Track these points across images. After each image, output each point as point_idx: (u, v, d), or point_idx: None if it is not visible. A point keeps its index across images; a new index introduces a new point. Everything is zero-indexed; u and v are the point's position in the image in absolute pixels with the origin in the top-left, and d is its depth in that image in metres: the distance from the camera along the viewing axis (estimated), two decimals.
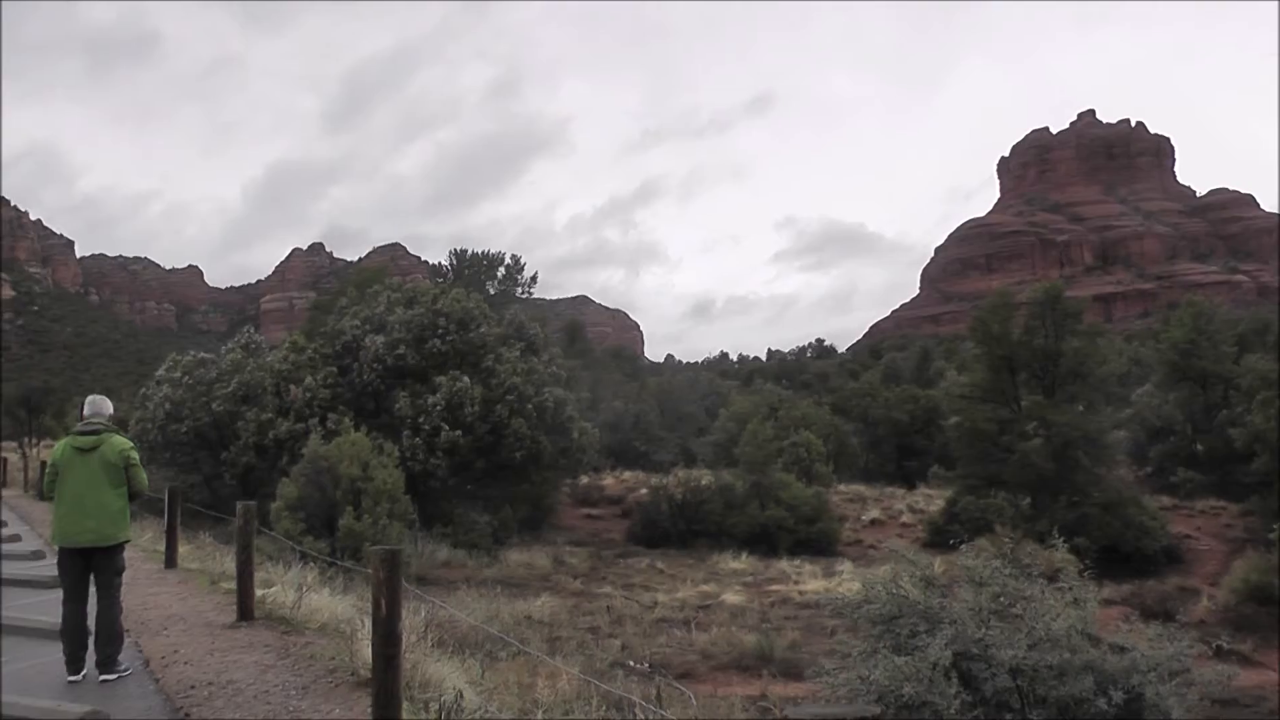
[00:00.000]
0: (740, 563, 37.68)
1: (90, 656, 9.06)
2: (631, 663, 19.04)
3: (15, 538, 18.22)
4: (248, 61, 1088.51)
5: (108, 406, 9.94)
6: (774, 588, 32.21)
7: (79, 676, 8.95)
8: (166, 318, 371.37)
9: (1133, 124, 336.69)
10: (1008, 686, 10.35)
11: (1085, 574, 12.47)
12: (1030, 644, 10.31)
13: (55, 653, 9.23)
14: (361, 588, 17.43)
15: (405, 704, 7.42)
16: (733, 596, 29.85)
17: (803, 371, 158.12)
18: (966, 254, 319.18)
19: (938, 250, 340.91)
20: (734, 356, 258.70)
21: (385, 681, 7.09)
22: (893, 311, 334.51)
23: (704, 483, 47.10)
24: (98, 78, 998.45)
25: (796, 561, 37.92)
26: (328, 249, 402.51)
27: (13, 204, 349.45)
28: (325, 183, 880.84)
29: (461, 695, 8.31)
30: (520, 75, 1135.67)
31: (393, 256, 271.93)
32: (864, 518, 50.09)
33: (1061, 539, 14.02)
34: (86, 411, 9.58)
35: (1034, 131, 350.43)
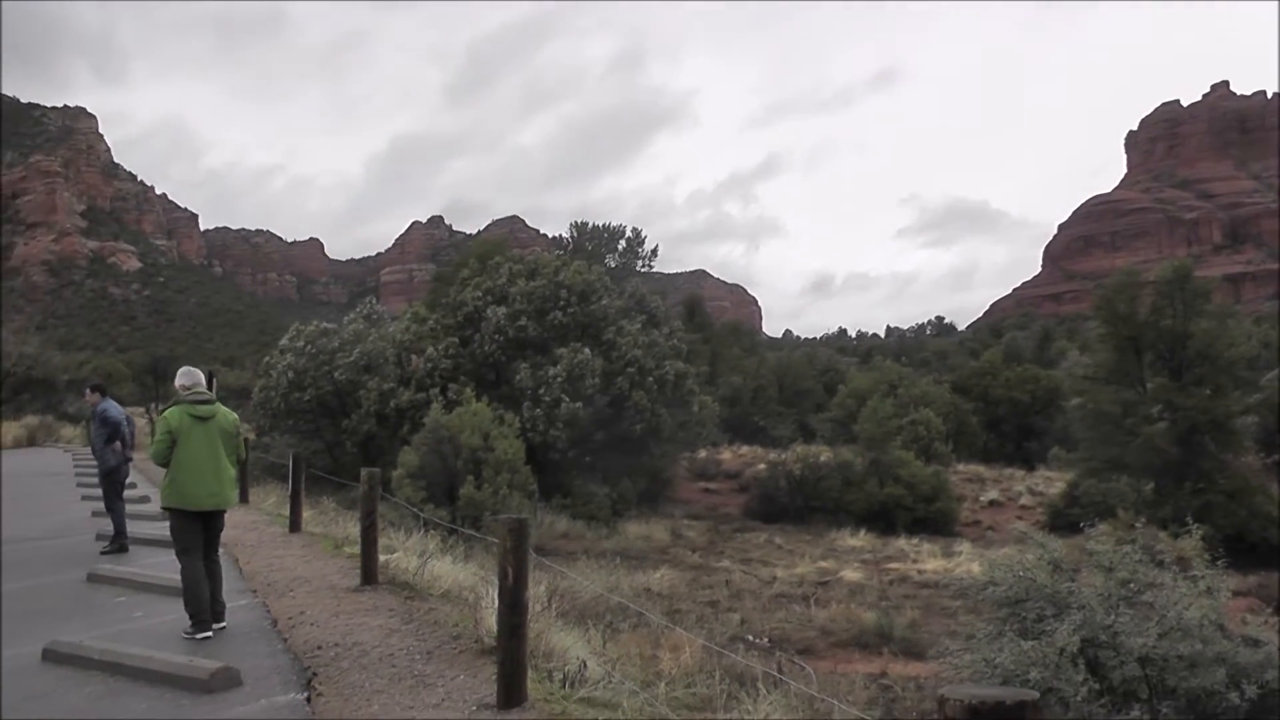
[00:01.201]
0: (858, 540, 37.47)
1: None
2: (751, 637, 18.98)
3: (144, 499, 18.72)
4: (374, 36, 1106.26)
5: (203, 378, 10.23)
6: (892, 566, 31.93)
7: (210, 634, 9.29)
8: (287, 289, 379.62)
9: (1269, 95, 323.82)
10: (1136, 676, 10.07)
11: (1218, 562, 12.04)
12: (1160, 633, 10.02)
13: (181, 609, 9.55)
14: (482, 556, 17.63)
15: (529, 673, 7.43)
16: (851, 573, 29.62)
17: (922, 349, 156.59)
18: (1090, 231, 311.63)
19: (1061, 227, 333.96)
20: (853, 333, 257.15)
21: (511, 650, 7.10)
22: (1014, 289, 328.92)
23: (822, 459, 46.80)
24: (226, 55, 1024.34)
25: (914, 540, 37.63)
26: (447, 222, 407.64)
27: (139, 178, 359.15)
28: (447, 156, 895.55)
29: (585, 665, 8.30)
30: (644, 48, 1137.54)
31: (511, 229, 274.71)
32: (982, 498, 49.64)
33: (1195, 526, 13.59)
34: (185, 382, 9.88)
35: (1164, 105, 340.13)
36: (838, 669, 16.95)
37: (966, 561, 30.86)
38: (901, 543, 36.87)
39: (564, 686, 7.80)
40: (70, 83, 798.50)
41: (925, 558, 33.38)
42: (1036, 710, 3.23)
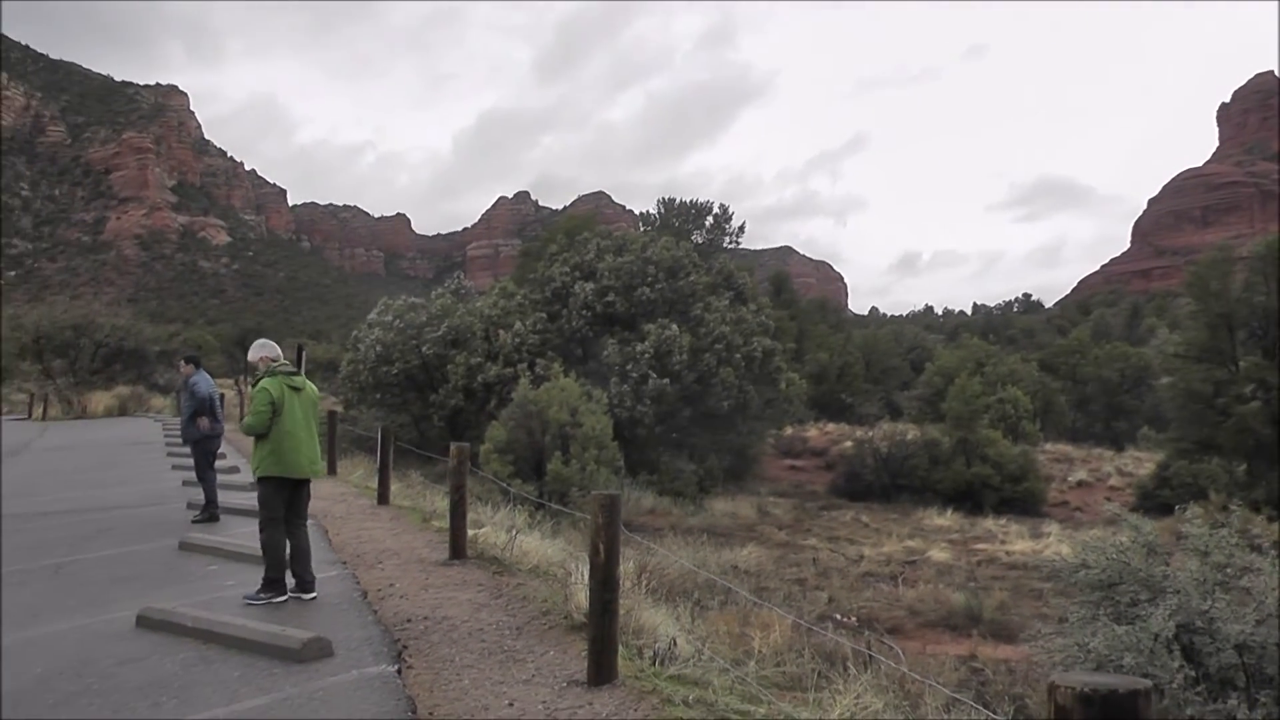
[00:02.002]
0: (945, 519, 37.24)
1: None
2: (838, 616, 18.90)
3: (234, 469, 19.02)
4: (464, 14, 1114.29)
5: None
6: (980, 546, 31.66)
7: (284, 597, 9.54)
8: (374, 263, 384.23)
9: None
10: (1233, 663, 9.79)
11: None
12: (1258, 619, 9.73)
13: (257, 578, 9.74)
14: (569, 531, 17.67)
15: (619, 650, 7.39)
16: (938, 553, 29.40)
17: (1009, 327, 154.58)
18: (1181, 206, 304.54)
19: (1150, 202, 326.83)
20: (939, 310, 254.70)
21: (602, 627, 7.08)
22: (1102, 266, 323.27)
23: (909, 437, 46.48)
24: (318, 33, 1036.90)
25: (1002, 520, 37.31)
26: (533, 197, 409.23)
27: (229, 155, 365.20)
28: (535, 132, 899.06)
29: (675, 643, 8.26)
30: (734, 23, 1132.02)
31: (597, 205, 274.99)
32: (1070, 479, 49.06)
33: None
34: (271, 354, 10.11)
35: (1258, 75, 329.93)
36: (926, 650, 16.82)
37: (1055, 543, 30.73)
38: (989, 523, 36.57)
39: (654, 664, 7.77)
40: (165, 63, 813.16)
41: (1013, 538, 33.10)
42: (1149, 699, 3.11)
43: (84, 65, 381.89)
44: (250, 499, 11.60)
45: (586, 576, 8.31)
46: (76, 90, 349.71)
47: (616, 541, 7.17)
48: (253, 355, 10.15)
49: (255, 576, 9.84)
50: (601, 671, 7.09)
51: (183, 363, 15.73)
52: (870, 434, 49.03)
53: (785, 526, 34.12)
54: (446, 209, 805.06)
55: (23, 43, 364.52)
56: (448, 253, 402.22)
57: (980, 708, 8.27)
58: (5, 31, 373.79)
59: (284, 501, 9.69)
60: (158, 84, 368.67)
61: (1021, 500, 42.17)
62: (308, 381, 10.05)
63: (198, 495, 15.52)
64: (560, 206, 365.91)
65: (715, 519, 33.35)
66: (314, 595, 9.60)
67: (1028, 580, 24.82)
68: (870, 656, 9.60)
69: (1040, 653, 11.07)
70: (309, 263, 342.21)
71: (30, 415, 45.83)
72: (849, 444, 50.83)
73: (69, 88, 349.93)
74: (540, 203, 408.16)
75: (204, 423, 14.84)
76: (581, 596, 8.57)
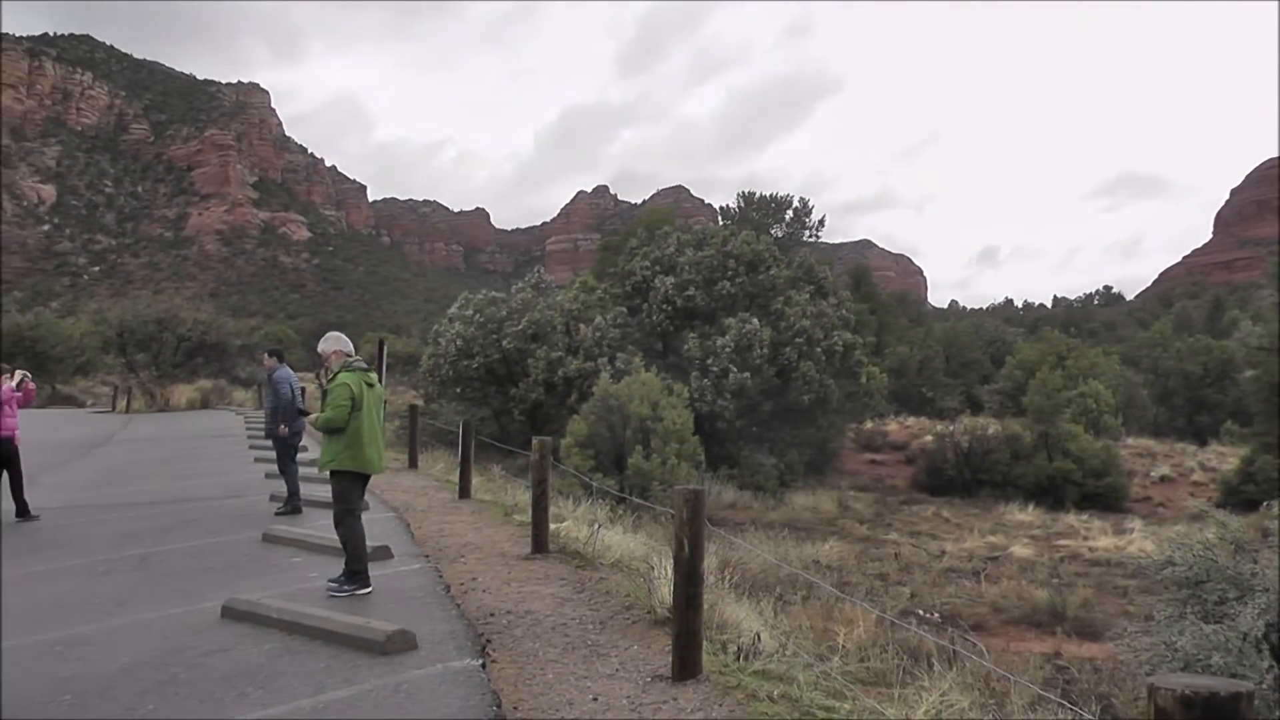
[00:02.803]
0: (1026, 514, 36.92)
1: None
2: (921, 612, 18.75)
3: (314, 462, 19.23)
4: (544, 9, 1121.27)
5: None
6: (1062, 542, 31.33)
7: (370, 589, 9.62)
8: (454, 258, 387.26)
9: None
10: None
11: None
12: None
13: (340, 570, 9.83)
14: (650, 525, 17.65)
15: (703, 644, 7.36)
16: (1021, 549, 29.15)
17: (1090, 320, 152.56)
18: (1265, 195, 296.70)
19: (1233, 192, 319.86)
20: (1019, 303, 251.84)
21: (686, 621, 7.05)
22: (1184, 257, 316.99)
23: (990, 431, 45.92)
24: (399, 29, 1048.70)
25: (1084, 516, 36.86)
26: (612, 191, 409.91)
27: (309, 151, 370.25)
28: (616, 126, 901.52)
29: (759, 638, 8.22)
30: (813, 17, 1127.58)
31: (676, 199, 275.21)
32: (1153, 474, 48.39)
33: None
34: (345, 348, 10.22)
35: None
36: (1010, 647, 16.70)
37: (1139, 539, 30.51)
38: (1071, 518, 36.15)
39: (738, 659, 7.75)
40: (248, 61, 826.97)
41: (1096, 535, 32.75)
42: (1250, 702, 3.03)
43: (167, 64, 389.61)
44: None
45: (670, 571, 8.29)
46: (160, 89, 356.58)
47: (701, 536, 7.14)
48: (324, 348, 10.21)
49: (339, 568, 9.92)
50: (686, 666, 7.07)
51: (266, 356, 15.91)
52: (951, 428, 48.51)
53: (866, 521, 34.00)
54: (526, 203, 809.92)
55: (107, 43, 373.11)
56: (526, 247, 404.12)
57: (1068, 706, 8.14)
58: (91, 33, 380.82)
59: (361, 493, 9.85)
60: (239, 82, 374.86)
61: (1103, 496, 41.63)
62: (374, 377, 10.12)
63: (280, 488, 15.71)
64: (639, 200, 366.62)
65: (796, 513, 33.27)
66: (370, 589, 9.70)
67: (1111, 577, 24.65)
68: (955, 653, 9.51)
69: (1126, 651, 10.93)
70: (388, 257, 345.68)
71: (114, 408, 46.71)
72: (929, 438, 50.43)
73: (152, 86, 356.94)
74: (619, 197, 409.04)
75: (283, 429, 15.01)
76: (665, 591, 8.55)
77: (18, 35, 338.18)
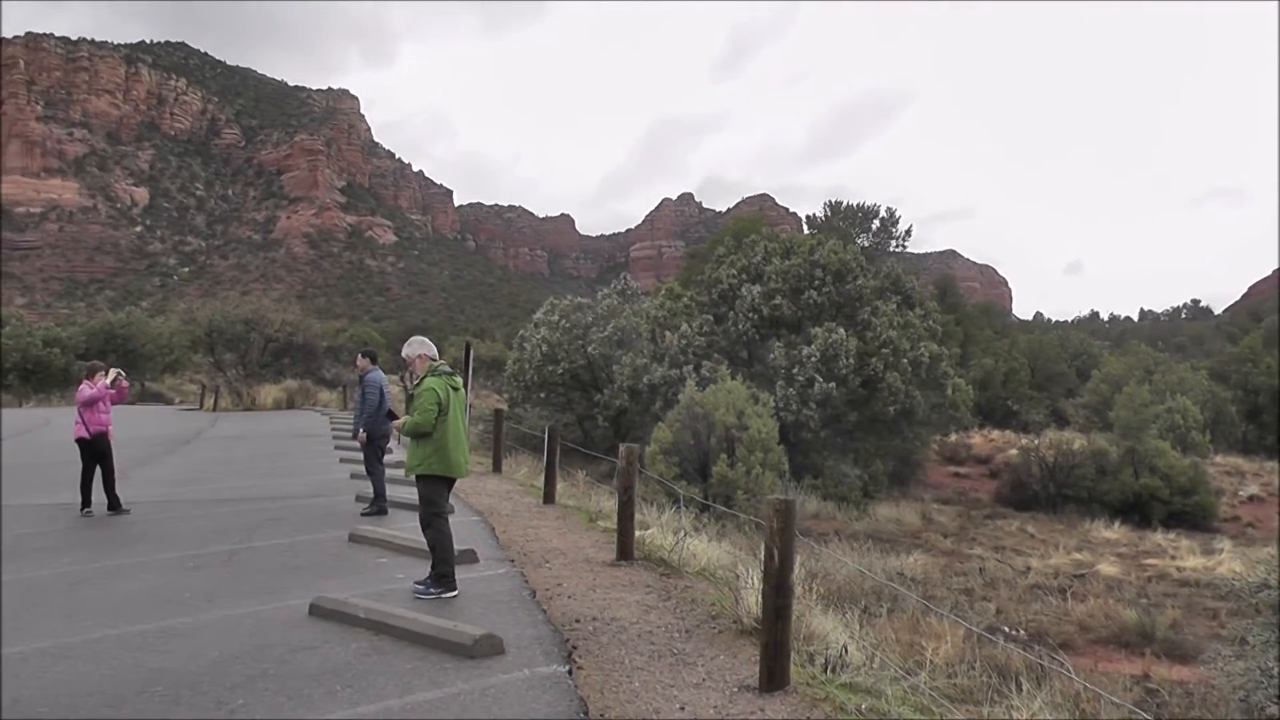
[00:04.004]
0: (1113, 532, 36.17)
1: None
2: (1007, 629, 18.53)
3: (399, 463, 19.36)
4: (635, 15, 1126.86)
5: None
6: (1150, 561, 30.69)
7: (456, 592, 9.66)
8: (539, 263, 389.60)
9: None
10: None
11: None
12: None
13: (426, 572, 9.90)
14: (734, 534, 17.59)
15: (791, 655, 7.29)
16: (1108, 567, 28.60)
17: (1177, 333, 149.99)
18: None
19: None
20: (1105, 316, 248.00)
21: (775, 632, 7.00)
22: (1274, 270, 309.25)
23: (1075, 446, 45.16)
24: (492, 34, 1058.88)
25: (1171, 535, 36.01)
26: (697, 199, 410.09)
27: (397, 156, 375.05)
28: (703, 133, 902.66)
29: (846, 650, 8.14)
30: (902, 24, 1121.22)
31: (760, 207, 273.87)
32: (1242, 493, 47.19)
33: None
34: (429, 352, 10.26)
35: None
36: (1098, 667, 16.45)
37: (1228, 560, 29.75)
38: (1158, 537, 35.41)
39: (825, 671, 7.69)
40: (340, 66, 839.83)
41: (1184, 554, 32.04)
42: None
43: (259, 71, 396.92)
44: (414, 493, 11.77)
45: (757, 580, 8.23)
46: (251, 95, 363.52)
47: (791, 547, 7.07)
48: (409, 352, 10.24)
49: (424, 570, 9.97)
50: (773, 677, 7.02)
51: (359, 357, 16.02)
52: (1036, 442, 47.83)
53: (950, 534, 33.65)
54: (611, 209, 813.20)
55: (202, 50, 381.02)
56: (611, 253, 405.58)
57: None
58: (187, 40, 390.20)
59: (446, 498, 9.88)
60: (330, 88, 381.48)
61: (1191, 514, 40.66)
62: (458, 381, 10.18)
63: (365, 488, 15.85)
64: (723, 209, 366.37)
65: (880, 525, 33.01)
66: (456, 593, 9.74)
67: (1201, 598, 24.15)
68: (1043, 671, 9.38)
69: (1220, 676, 10.69)
70: (473, 262, 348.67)
71: (201, 406, 47.57)
72: (1014, 452, 49.77)
73: (244, 92, 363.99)
74: (704, 204, 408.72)
75: (361, 436, 15.11)
76: (752, 600, 8.50)
77: (115, 43, 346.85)
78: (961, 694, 9.08)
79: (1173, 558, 31.42)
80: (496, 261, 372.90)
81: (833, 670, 7.70)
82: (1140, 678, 16.07)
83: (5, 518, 14.91)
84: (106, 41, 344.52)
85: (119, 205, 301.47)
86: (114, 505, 15.16)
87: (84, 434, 14.99)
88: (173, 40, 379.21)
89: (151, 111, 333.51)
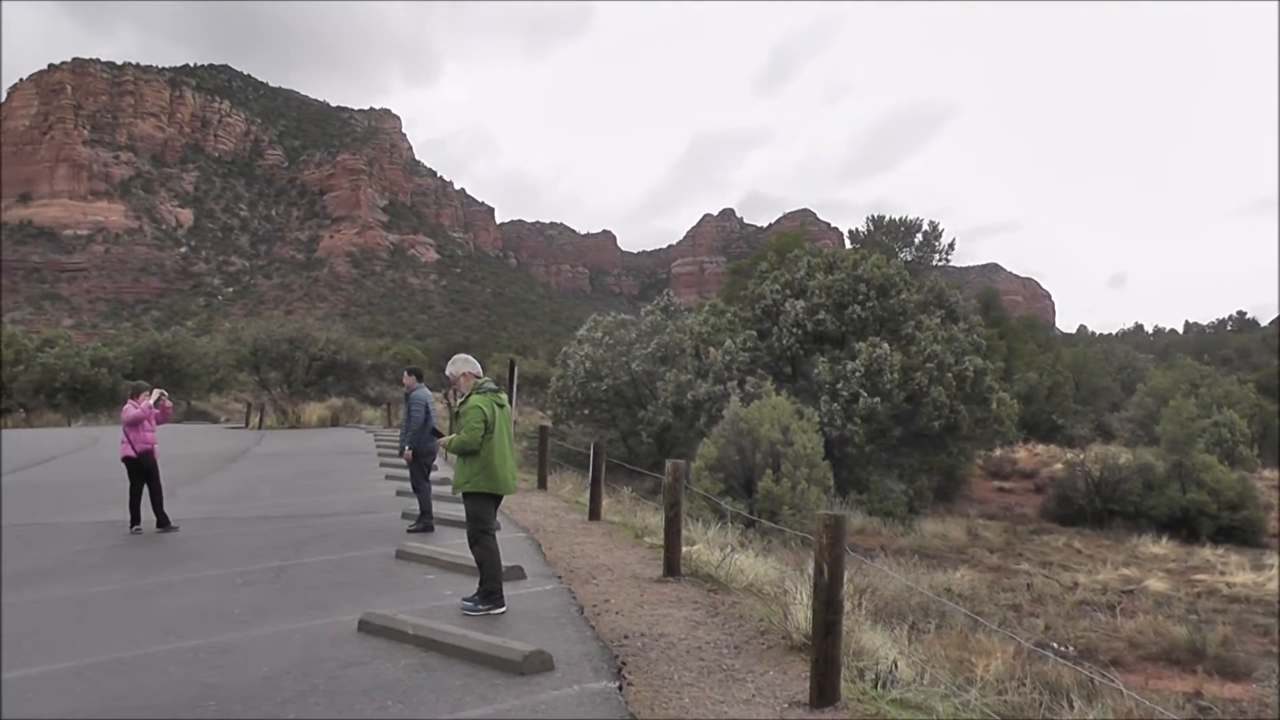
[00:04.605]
0: (1160, 547, 35.79)
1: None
2: (1056, 645, 18.38)
3: (444, 480, 19.42)
4: (676, 32, 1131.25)
5: None
6: (1199, 577, 30.35)
7: (504, 609, 9.68)
8: (580, 280, 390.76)
9: None
10: None
11: None
12: None
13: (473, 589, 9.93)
14: (780, 550, 17.52)
15: (841, 670, 7.25)
16: (1156, 583, 28.32)
17: (1223, 346, 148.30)
18: None
19: None
20: (1149, 328, 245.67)
21: (825, 648, 6.97)
22: None
23: (1121, 461, 44.74)
24: (534, 54, 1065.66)
25: (1220, 550, 35.55)
26: (738, 215, 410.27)
27: (439, 175, 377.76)
28: (745, 148, 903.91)
29: (896, 665, 8.10)
30: (942, 38, 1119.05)
31: (802, 222, 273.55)
32: None
33: None
34: (475, 370, 10.30)
35: None
36: (1149, 684, 16.28)
37: (1279, 576, 29.39)
38: (1206, 552, 35.00)
39: (876, 687, 7.65)
40: (382, 86, 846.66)
41: (1233, 570, 31.66)
42: None
43: (302, 92, 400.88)
44: (460, 509, 11.80)
45: (805, 596, 8.20)
46: (294, 116, 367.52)
47: (841, 562, 7.04)
48: (454, 370, 10.28)
49: (472, 587, 9.99)
50: (824, 693, 6.99)
51: (405, 374, 16.08)
52: (1081, 456, 47.46)
53: (996, 550, 33.45)
54: (652, 226, 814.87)
55: (245, 72, 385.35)
56: (652, 269, 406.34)
57: None
58: (230, 63, 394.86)
59: (494, 514, 9.89)
60: (371, 108, 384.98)
61: (1240, 529, 40.16)
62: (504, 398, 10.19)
63: (411, 505, 15.90)
64: (765, 224, 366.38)
65: (925, 540, 32.87)
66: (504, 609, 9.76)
67: (1252, 614, 23.95)
68: (1094, 688, 9.30)
69: (1273, 694, 10.55)
70: (515, 279, 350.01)
71: (247, 424, 47.93)
72: (1059, 466, 49.43)
73: (287, 113, 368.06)
74: (745, 220, 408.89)
75: (407, 454, 15.18)
76: (801, 616, 8.48)
77: (160, 67, 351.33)
78: (1012, 711, 9.01)
79: (1222, 573, 31.09)
80: (538, 278, 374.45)
81: (883, 686, 7.67)
82: (1192, 695, 15.92)
83: (56, 535, 15.11)
84: (152, 66, 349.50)
85: (164, 227, 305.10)
86: (163, 523, 15.30)
87: (130, 453, 15.17)
88: (216, 63, 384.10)
89: (196, 134, 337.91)
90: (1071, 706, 8.39)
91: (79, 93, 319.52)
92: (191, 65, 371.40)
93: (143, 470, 15.29)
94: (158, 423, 15.69)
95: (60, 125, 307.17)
